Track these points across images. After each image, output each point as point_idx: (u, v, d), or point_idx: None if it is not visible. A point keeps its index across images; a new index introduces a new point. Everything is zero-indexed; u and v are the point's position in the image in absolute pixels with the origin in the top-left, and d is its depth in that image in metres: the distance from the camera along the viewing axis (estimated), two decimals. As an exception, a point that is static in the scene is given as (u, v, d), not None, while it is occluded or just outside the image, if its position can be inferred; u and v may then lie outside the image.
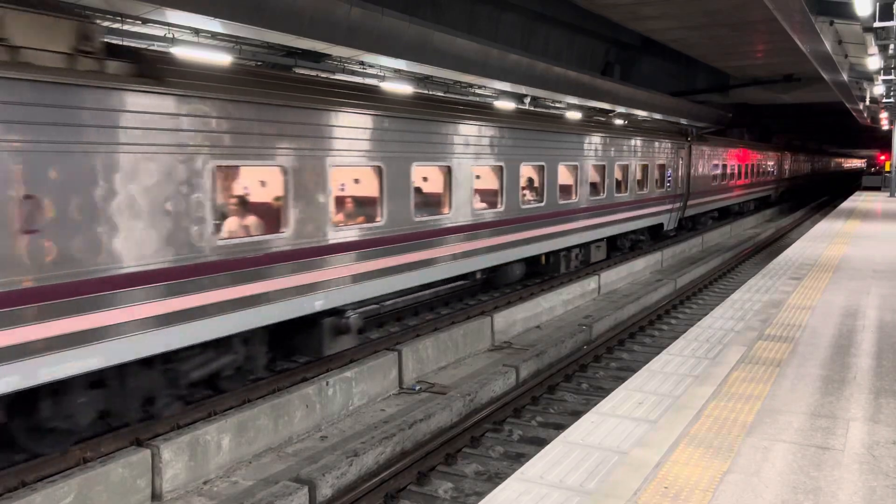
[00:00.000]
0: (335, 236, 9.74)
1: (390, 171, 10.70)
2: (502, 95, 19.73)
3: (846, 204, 33.10)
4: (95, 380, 7.32)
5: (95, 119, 6.83)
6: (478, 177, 13.36)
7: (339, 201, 10.39)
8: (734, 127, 39.11)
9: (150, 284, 7.36)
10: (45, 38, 6.47)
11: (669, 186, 23.72)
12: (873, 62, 17.36)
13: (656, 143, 22.60)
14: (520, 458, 8.44)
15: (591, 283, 17.51)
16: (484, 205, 13.64)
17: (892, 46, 14.43)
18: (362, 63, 14.54)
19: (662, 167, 23.02)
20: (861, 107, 33.23)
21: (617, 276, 19.09)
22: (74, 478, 6.67)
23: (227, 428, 8.02)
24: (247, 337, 8.93)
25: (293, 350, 10.38)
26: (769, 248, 27.49)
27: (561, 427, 9.18)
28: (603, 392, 10.57)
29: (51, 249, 6.48)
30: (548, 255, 16.69)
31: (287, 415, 8.78)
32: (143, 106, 7.23)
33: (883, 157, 56.02)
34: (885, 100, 26.50)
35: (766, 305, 10.19)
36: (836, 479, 4.81)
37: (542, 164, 15.51)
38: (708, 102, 34.67)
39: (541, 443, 8.68)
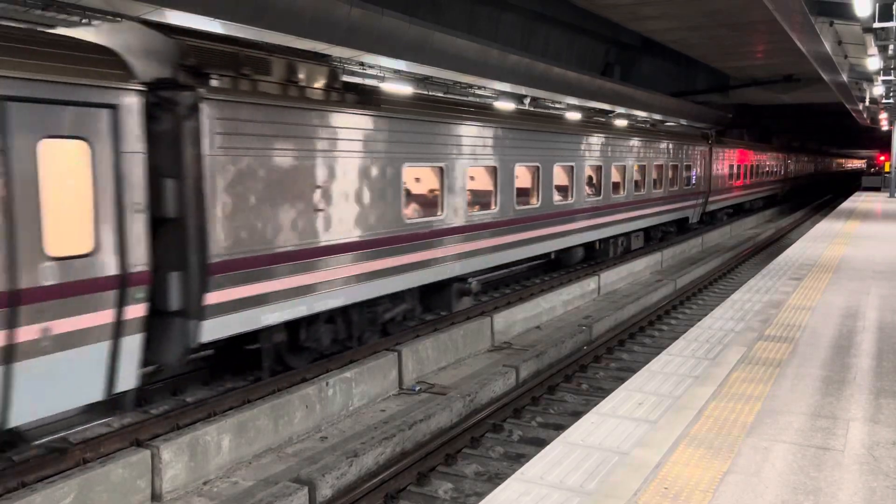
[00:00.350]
0: (469, 220, 12.96)
1: (503, 170, 13.92)
2: (502, 96, 19.73)
3: (846, 204, 33.12)
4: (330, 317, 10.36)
5: (343, 134, 9.78)
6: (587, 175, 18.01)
7: (473, 194, 13.47)
8: (734, 127, 39.14)
9: (378, 248, 10.65)
10: (314, 79, 9.47)
11: (694, 185, 26.59)
12: (873, 63, 17.37)
13: (684, 147, 25.19)
14: (520, 459, 8.44)
15: (590, 284, 17.51)
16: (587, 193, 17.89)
17: (891, 47, 14.44)
18: (362, 64, 14.55)
19: (689, 167, 25.93)
20: (861, 107, 33.26)
21: (617, 277, 19.09)
22: (74, 478, 6.67)
23: (227, 428, 8.01)
24: (412, 292, 12.04)
25: (431, 307, 13.31)
26: (769, 248, 27.50)
27: (561, 427, 9.18)
28: (603, 392, 10.56)
29: (328, 222, 9.61)
30: (600, 241, 19.57)
31: (287, 415, 8.77)
32: (368, 124, 10.22)
33: (882, 158, 56.03)
34: (884, 100, 26.53)
35: (767, 306, 10.19)
36: (837, 480, 4.81)
37: (600, 164, 18.52)
38: (708, 103, 34.69)
39: (541, 443, 8.68)
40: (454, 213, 12.42)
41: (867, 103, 30.75)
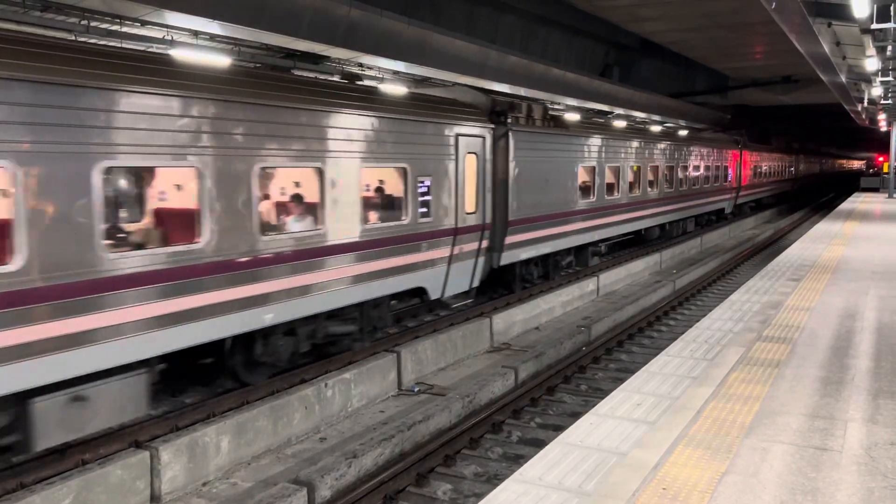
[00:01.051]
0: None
1: (644, 168, 21.90)
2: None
3: (845, 205, 33.13)
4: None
5: (558, 146, 17.15)
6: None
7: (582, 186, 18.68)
8: (733, 128, 39.14)
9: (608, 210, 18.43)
10: (545, 115, 15.99)
11: (729, 182, 33.35)
12: (871, 64, 17.38)
13: (723, 151, 32.54)
14: (519, 460, 8.44)
15: (589, 285, 17.52)
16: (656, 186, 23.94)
17: (889, 48, 14.44)
18: (361, 65, 14.55)
19: (726, 168, 32.70)
20: (859, 108, 33.28)
21: (616, 278, 19.09)
22: (73, 479, 6.67)
23: (226, 429, 8.01)
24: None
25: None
26: (768, 249, 27.51)
27: (560, 428, 9.18)
28: (602, 393, 10.57)
29: (566, 199, 16.90)
30: (668, 224, 25.98)
31: (286, 416, 8.77)
32: (562, 139, 17.29)
33: (881, 159, 56.06)
34: (883, 101, 26.54)
35: (765, 306, 10.20)
36: (835, 481, 4.81)
37: (673, 164, 25.55)
38: (707, 104, 34.71)
39: (540, 444, 8.68)
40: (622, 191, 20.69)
41: (866, 104, 30.76)
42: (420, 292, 12.44)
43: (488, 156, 13.82)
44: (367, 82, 13.80)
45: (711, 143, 30.94)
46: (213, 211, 8.21)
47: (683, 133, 28.88)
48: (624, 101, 24.07)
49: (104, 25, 10.47)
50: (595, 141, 18.94)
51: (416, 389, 10.78)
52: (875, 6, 11.45)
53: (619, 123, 22.80)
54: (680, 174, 26.13)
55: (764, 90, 34.35)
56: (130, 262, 7.41)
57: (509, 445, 9.07)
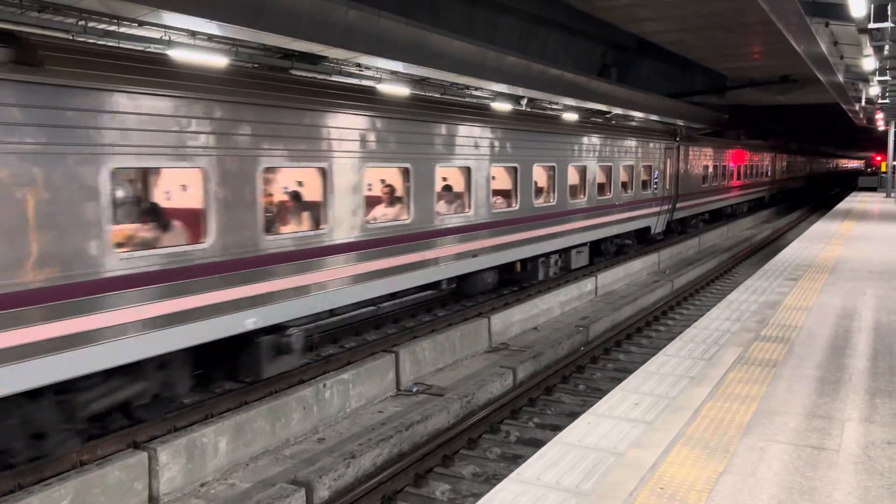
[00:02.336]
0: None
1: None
2: (499, 97, 19.75)
3: (842, 205, 33.17)
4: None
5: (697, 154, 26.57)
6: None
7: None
8: (731, 128, 39.19)
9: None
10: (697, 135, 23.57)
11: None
12: (868, 63, 17.40)
13: (761, 154, 40.04)
14: (517, 460, 8.44)
15: (588, 285, 17.53)
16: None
17: (887, 47, 14.46)
18: (359, 65, 14.55)
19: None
20: (857, 108, 33.31)
21: (614, 278, 19.10)
22: (71, 481, 6.66)
23: (224, 430, 8.01)
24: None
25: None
26: (766, 249, 27.54)
27: (558, 428, 9.17)
28: (600, 393, 10.58)
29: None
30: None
31: (284, 417, 8.77)
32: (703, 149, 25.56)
33: (879, 158, 56.13)
34: (880, 101, 26.57)
35: (763, 306, 10.21)
36: (832, 480, 4.82)
37: (718, 164, 31.61)
38: (705, 104, 34.74)
39: (538, 444, 8.68)
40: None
41: (863, 104, 30.78)
42: (647, 231, 22.96)
43: (671, 158, 24.07)
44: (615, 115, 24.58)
45: (755, 148, 29.04)
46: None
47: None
48: (622, 101, 24.09)
49: (102, 26, 10.47)
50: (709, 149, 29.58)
51: (415, 390, 10.78)
52: (872, 6, 11.45)
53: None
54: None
55: (762, 90, 34.38)
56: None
57: (507, 445, 9.07)
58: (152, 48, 11.14)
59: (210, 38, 11.89)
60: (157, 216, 8.44)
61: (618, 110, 24.42)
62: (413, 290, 12.80)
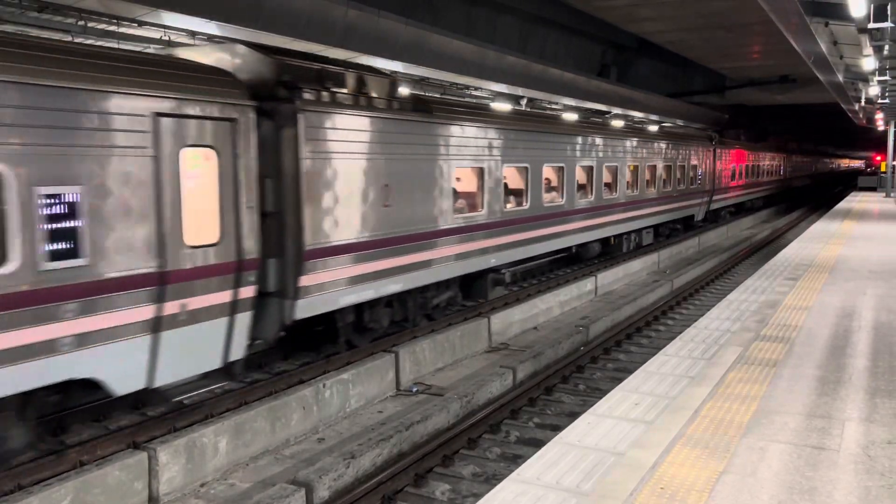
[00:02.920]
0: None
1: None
2: (499, 97, 19.75)
3: (842, 205, 33.18)
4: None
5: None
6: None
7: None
8: (731, 128, 39.22)
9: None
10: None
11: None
12: (868, 63, 17.39)
13: (774, 155, 43.74)
14: (517, 460, 8.44)
15: (587, 285, 17.53)
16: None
17: (886, 47, 14.45)
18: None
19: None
20: (857, 107, 33.32)
21: (614, 278, 19.10)
22: (71, 481, 6.66)
23: (223, 430, 8.01)
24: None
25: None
26: (766, 248, 27.54)
27: (558, 428, 9.18)
28: (600, 393, 10.58)
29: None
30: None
31: (284, 417, 8.77)
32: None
33: (879, 158, 56.15)
34: (880, 100, 26.57)
35: (763, 306, 10.21)
36: (832, 480, 4.82)
37: (742, 164, 33.42)
38: (705, 104, 34.75)
39: (538, 444, 8.69)
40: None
41: (863, 103, 30.80)
42: (691, 217, 26.38)
43: (709, 159, 27.49)
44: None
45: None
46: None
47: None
48: (622, 100, 24.09)
49: (101, 26, 10.47)
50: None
51: (415, 390, 10.78)
52: (872, 5, 11.45)
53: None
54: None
55: (761, 90, 34.40)
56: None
57: (507, 445, 9.07)
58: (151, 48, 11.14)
59: (210, 38, 11.89)
60: (459, 196, 13.34)
61: (617, 110, 24.42)
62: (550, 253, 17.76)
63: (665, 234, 26.20)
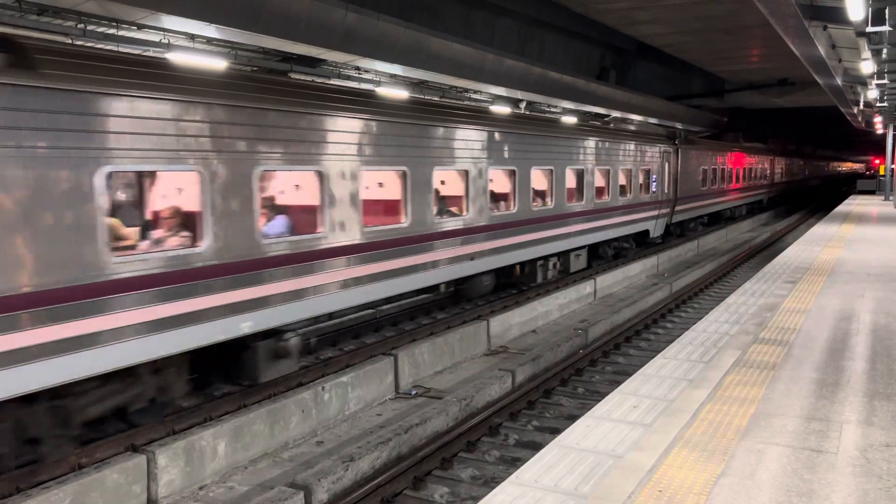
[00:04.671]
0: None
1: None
2: (498, 100, 19.77)
3: (841, 208, 33.21)
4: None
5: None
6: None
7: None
8: (729, 131, 39.27)
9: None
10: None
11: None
12: (867, 66, 17.45)
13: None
14: (515, 463, 8.44)
15: (587, 288, 17.53)
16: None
17: (885, 51, 14.48)
18: (358, 68, 14.57)
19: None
20: (855, 111, 33.38)
21: (613, 281, 19.11)
22: (69, 484, 6.66)
23: (222, 433, 8.01)
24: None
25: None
26: (764, 251, 27.56)
27: (556, 431, 9.17)
28: (598, 396, 10.58)
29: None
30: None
31: (283, 420, 8.77)
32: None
33: (878, 161, 56.22)
34: (878, 104, 26.61)
35: (761, 309, 10.22)
36: (830, 482, 4.83)
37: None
38: (703, 106, 34.80)
39: (536, 447, 8.68)
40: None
41: (861, 107, 30.87)
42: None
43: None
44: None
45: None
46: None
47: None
48: (621, 104, 24.12)
49: (101, 29, 10.48)
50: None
51: (414, 393, 10.78)
52: (870, 9, 11.49)
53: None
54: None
55: (760, 93, 34.47)
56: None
57: (506, 448, 9.07)
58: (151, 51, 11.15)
59: (209, 41, 11.91)
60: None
61: (616, 113, 24.45)
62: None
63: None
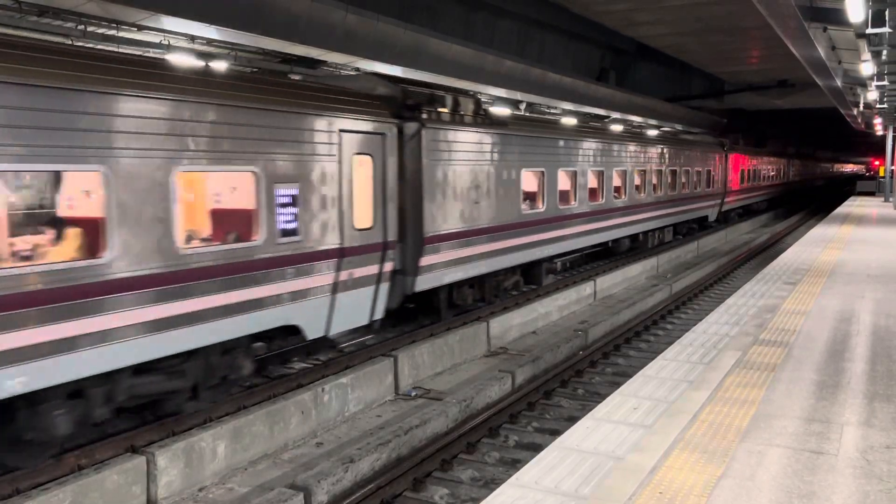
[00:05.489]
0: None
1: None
2: (498, 101, 19.78)
3: (841, 209, 33.22)
4: None
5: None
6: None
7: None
8: (729, 132, 39.28)
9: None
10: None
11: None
12: (866, 68, 17.44)
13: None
14: (515, 464, 8.44)
15: (587, 289, 17.53)
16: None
17: (884, 52, 14.49)
18: (358, 69, 14.57)
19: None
20: (855, 112, 33.38)
21: (613, 282, 19.11)
22: (69, 485, 6.65)
23: (222, 434, 8.00)
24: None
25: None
26: (764, 253, 27.56)
27: (557, 432, 9.17)
28: (599, 397, 10.57)
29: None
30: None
31: (283, 421, 8.76)
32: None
33: (877, 163, 56.26)
34: (878, 105, 26.62)
35: (761, 310, 10.22)
36: (831, 484, 4.82)
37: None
38: (703, 107, 34.81)
39: (536, 448, 8.68)
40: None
41: (861, 108, 30.87)
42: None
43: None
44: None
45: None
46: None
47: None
48: (620, 105, 24.13)
49: (101, 30, 10.48)
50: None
51: (413, 394, 10.77)
52: (870, 11, 11.49)
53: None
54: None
55: (760, 94, 34.47)
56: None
57: (506, 450, 9.06)
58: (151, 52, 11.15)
59: (209, 42, 11.91)
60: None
61: (616, 114, 24.45)
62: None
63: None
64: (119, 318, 7.06)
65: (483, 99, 19.13)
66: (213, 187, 9.19)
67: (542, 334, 14.60)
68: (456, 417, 9.68)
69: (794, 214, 46.75)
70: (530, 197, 15.92)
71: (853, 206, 35.60)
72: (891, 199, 37.90)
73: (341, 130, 9.89)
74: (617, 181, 20.32)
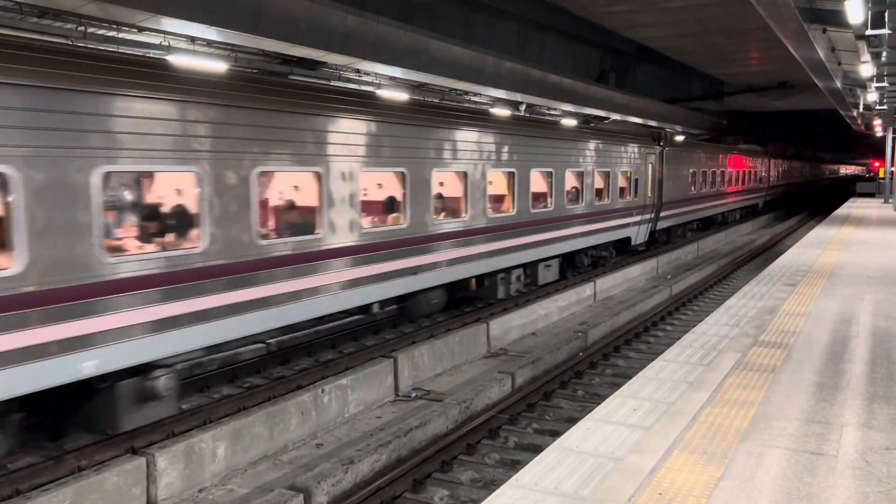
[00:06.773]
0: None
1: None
2: (497, 103, 19.79)
3: (840, 211, 33.22)
4: None
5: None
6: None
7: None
8: (729, 134, 39.28)
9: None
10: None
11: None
12: (866, 69, 17.44)
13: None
14: (515, 465, 8.44)
15: (586, 290, 17.53)
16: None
17: (884, 54, 14.49)
18: (358, 71, 14.58)
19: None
20: (855, 113, 33.38)
21: (612, 283, 19.11)
22: (69, 486, 6.65)
23: (222, 436, 8.00)
24: None
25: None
26: (764, 254, 27.56)
27: (556, 434, 9.17)
28: (598, 399, 10.57)
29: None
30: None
31: (282, 422, 8.77)
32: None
33: (877, 164, 56.28)
34: (878, 107, 26.63)
35: (761, 312, 10.22)
36: (830, 485, 4.82)
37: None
38: (703, 109, 34.82)
39: (536, 449, 8.68)
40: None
41: (861, 110, 30.86)
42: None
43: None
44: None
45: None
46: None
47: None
48: (620, 106, 24.14)
49: (101, 31, 10.49)
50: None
51: (413, 395, 10.78)
52: (869, 12, 11.50)
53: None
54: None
55: (760, 96, 34.49)
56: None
57: (506, 451, 9.06)
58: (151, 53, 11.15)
59: (209, 43, 11.91)
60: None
61: (616, 115, 24.47)
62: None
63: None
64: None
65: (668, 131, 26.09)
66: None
67: (541, 335, 14.60)
68: (456, 418, 9.68)
69: (794, 216, 46.76)
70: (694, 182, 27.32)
71: (853, 207, 35.61)
72: (891, 201, 37.91)
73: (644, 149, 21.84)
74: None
